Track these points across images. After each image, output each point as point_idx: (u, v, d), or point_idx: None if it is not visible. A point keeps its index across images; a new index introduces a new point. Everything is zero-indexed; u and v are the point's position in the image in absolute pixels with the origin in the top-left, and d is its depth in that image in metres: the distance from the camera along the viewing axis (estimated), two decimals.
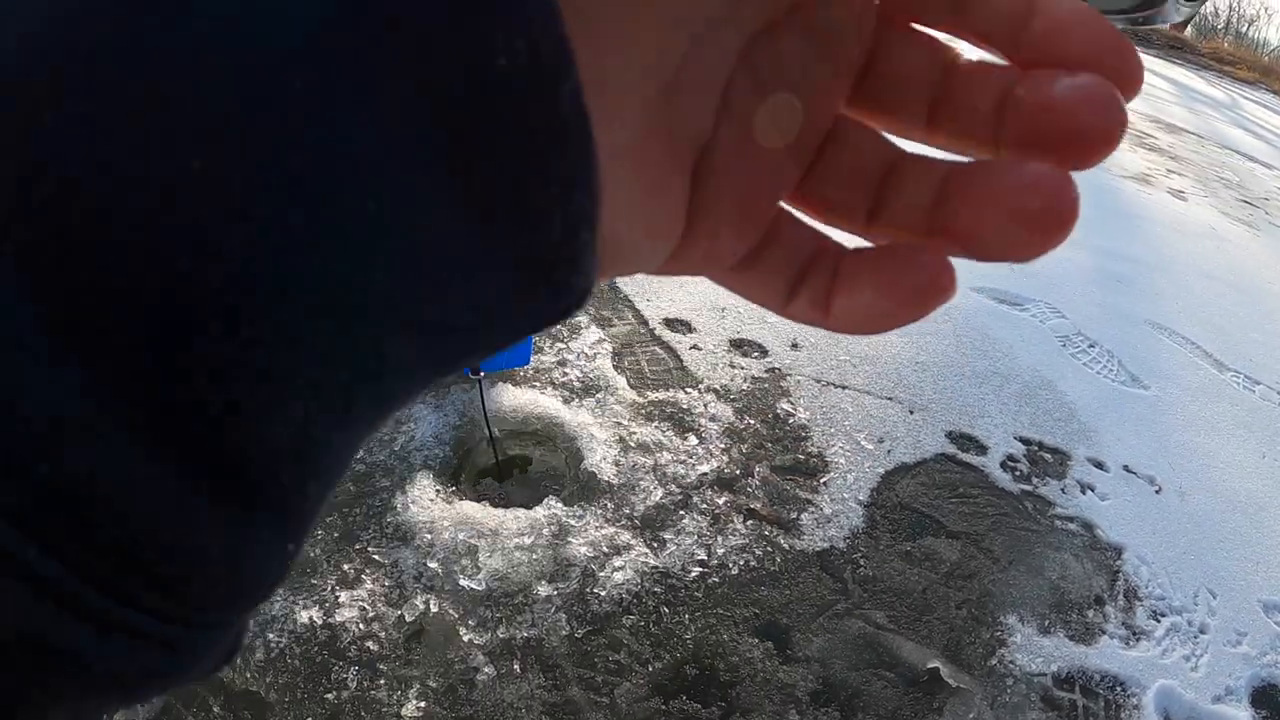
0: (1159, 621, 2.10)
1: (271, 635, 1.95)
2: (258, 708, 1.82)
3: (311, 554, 2.13)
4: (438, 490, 2.26)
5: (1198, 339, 3.32)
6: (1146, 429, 2.72)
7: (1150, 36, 15.59)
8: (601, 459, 2.33)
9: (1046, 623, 2.04)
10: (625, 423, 2.47)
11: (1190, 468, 2.59)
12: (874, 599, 2.04)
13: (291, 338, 0.15)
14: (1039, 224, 0.21)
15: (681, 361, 2.76)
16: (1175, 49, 15.14)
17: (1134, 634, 2.06)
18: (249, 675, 1.88)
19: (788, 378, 2.71)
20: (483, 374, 2.39)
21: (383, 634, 1.95)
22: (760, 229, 0.26)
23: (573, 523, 2.15)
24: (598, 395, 2.57)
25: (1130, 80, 0.21)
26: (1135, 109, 8.13)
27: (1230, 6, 22.73)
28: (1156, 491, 2.48)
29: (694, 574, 2.06)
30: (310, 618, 1.98)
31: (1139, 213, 4.79)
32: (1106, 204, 4.81)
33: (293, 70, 0.14)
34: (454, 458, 2.40)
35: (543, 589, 2.01)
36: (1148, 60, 12.59)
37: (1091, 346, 3.10)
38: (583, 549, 2.09)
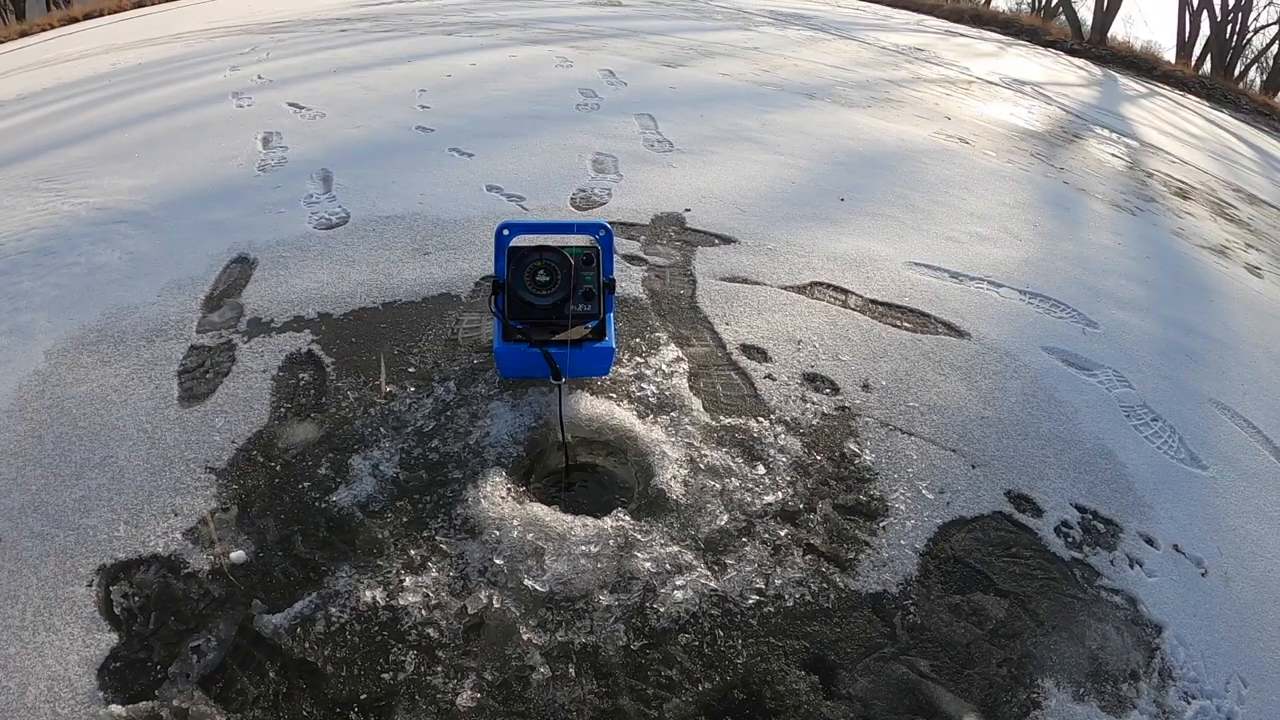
0: (1189, 703, 2.11)
1: (334, 609, 2.04)
2: (313, 678, 1.91)
3: (379, 536, 2.21)
4: (509, 489, 2.34)
5: (1261, 424, 3.30)
6: (1200, 510, 2.72)
7: (1239, 100, 15.31)
8: (671, 477, 2.40)
9: (1082, 691, 2.07)
10: (697, 444, 2.53)
11: (1239, 554, 2.59)
12: (919, 647, 2.09)
13: None
14: None
15: (755, 389, 2.82)
16: (1265, 114, 14.79)
17: (1164, 712, 2.07)
18: (307, 645, 1.96)
19: (856, 418, 2.76)
20: (563, 379, 2.45)
21: (443, 622, 2.02)
22: None
23: (639, 537, 2.21)
24: (672, 414, 2.63)
25: None
26: (1218, 176, 8.01)
27: None
28: (1202, 574, 2.48)
29: (751, 601, 2.13)
30: (374, 598, 2.06)
31: (1214, 286, 4.75)
32: (1182, 274, 4.78)
33: None
34: (526, 458, 2.47)
35: (604, 598, 2.08)
36: (1234, 125, 12.38)
37: (1155, 420, 3.10)
38: (646, 564, 2.15)
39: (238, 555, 2.15)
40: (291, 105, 5.75)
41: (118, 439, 2.53)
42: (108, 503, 2.31)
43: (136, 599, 2.07)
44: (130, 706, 1.83)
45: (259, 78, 6.61)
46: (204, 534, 2.22)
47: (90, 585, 2.09)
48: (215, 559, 2.15)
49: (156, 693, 1.86)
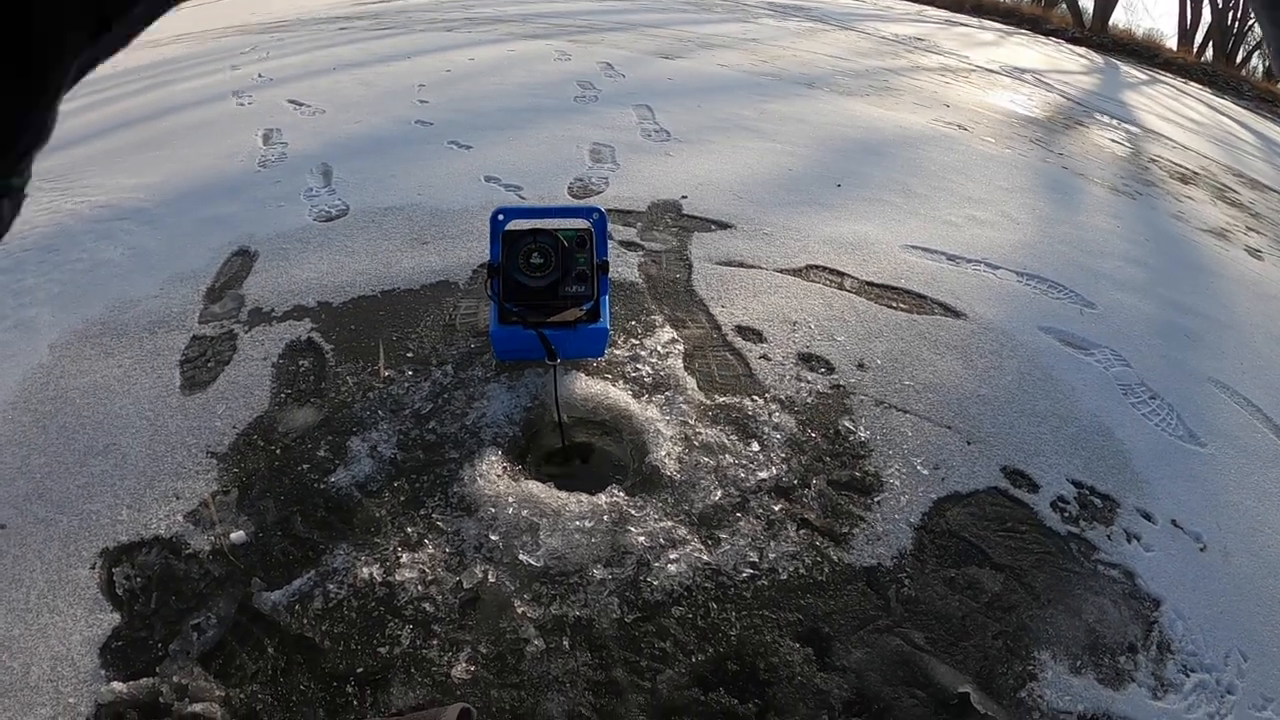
0: (1188, 677, 2.11)
1: (331, 586, 2.06)
2: (311, 652, 1.93)
3: (377, 514, 2.23)
4: (504, 467, 2.36)
5: (1260, 402, 3.30)
6: (1198, 486, 2.73)
7: (1240, 87, 15.26)
8: (665, 455, 2.41)
9: (1079, 663, 2.07)
10: (691, 422, 2.55)
11: (1238, 530, 2.60)
12: (914, 619, 2.10)
13: None
14: None
15: (750, 369, 2.84)
16: (1267, 101, 14.75)
17: (1162, 686, 2.08)
18: (305, 621, 1.98)
19: (851, 396, 2.77)
20: (558, 360, 2.47)
21: (439, 597, 2.04)
22: None
23: (633, 512, 2.23)
24: (667, 393, 2.64)
25: None
26: (1219, 160, 8.00)
27: None
28: (1201, 549, 2.49)
29: (744, 574, 2.14)
30: (370, 574, 2.08)
31: (1213, 268, 4.75)
32: (1182, 256, 4.78)
33: None
34: (522, 438, 2.49)
35: (598, 572, 2.10)
36: (1236, 111, 12.35)
37: (1153, 398, 3.11)
38: (640, 538, 2.17)
39: (238, 536, 2.18)
40: (291, 102, 5.77)
41: (121, 427, 2.55)
42: (111, 488, 2.34)
43: (138, 580, 2.09)
44: (131, 684, 1.85)
45: (259, 76, 6.62)
46: (205, 516, 2.24)
47: (93, 568, 2.12)
48: (216, 540, 2.17)
49: (157, 670, 1.89)
